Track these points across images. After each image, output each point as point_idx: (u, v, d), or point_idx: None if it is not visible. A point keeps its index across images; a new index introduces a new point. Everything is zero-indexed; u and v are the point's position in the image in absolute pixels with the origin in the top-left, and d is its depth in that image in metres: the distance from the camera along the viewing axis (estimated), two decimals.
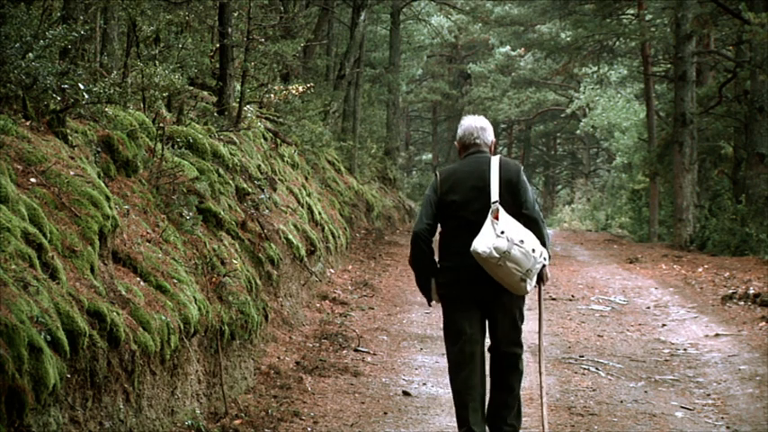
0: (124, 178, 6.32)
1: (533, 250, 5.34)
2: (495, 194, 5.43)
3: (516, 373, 5.55)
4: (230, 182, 8.44)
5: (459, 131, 5.75)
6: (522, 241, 5.31)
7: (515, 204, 5.47)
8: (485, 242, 5.29)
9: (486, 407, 5.55)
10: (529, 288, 5.41)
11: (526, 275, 5.33)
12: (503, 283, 5.38)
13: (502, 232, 5.31)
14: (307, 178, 13.48)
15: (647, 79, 27.15)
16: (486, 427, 5.50)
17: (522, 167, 5.66)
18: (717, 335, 9.61)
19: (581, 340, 9.42)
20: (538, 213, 5.54)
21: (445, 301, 5.61)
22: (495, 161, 5.56)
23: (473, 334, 5.53)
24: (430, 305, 5.84)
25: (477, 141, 5.68)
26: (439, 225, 5.63)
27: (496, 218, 5.37)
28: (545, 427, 5.57)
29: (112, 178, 6.11)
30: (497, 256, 5.27)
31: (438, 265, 5.61)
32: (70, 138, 5.64)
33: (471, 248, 5.31)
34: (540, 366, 5.74)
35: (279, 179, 11.05)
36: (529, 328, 6.26)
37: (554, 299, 11.77)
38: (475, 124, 5.71)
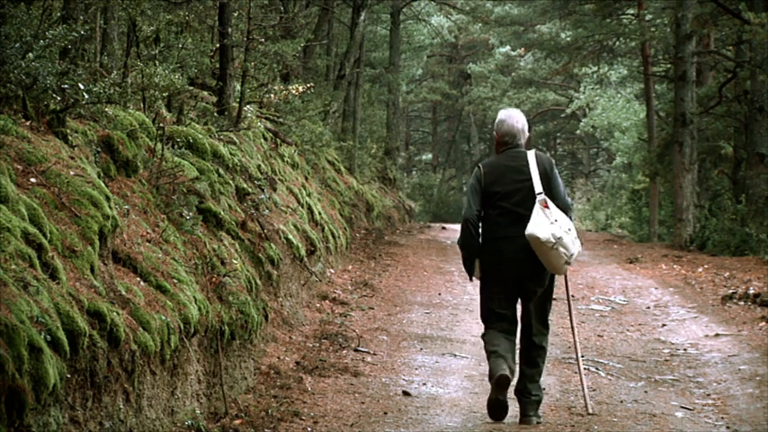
0: (124, 178, 6.32)
1: (576, 237, 6.17)
2: (538, 187, 6.16)
3: (542, 350, 6.30)
4: (230, 182, 8.44)
5: (503, 128, 6.36)
6: (569, 230, 6.10)
7: (551, 195, 6.19)
8: (543, 229, 6.02)
9: (516, 380, 6.24)
10: (567, 270, 6.24)
11: (569, 259, 6.12)
12: (548, 265, 6.14)
13: (555, 220, 6.07)
14: (307, 178, 13.48)
15: (647, 79, 27.14)
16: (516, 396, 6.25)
17: (554, 162, 6.42)
18: (717, 335, 9.61)
19: (581, 340, 9.41)
20: (567, 203, 6.29)
21: (485, 281, 6.34)
22: (531, 156, 6.27)
23: (509, 310, 6.31)
24: (471, 281, 6.55)
25: (519, 141, 6.36)
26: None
27: (546, 206, 6.11)
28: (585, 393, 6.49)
29: (112, 178, 6.11)
30: (554, 240, 6.01)
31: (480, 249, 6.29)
32: (70, 138, 5.64)
33: (528, 233, 6.03)
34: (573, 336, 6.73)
35: (279, 179, 11.05)
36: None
37: (554, 299, 11.75)
38: (517, 127, 6.35)
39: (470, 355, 8.54)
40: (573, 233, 6.13)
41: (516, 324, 6.37)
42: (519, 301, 6.37)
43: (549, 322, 6.50)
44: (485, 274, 6.33)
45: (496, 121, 6.45)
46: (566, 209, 6.24)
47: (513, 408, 6.52)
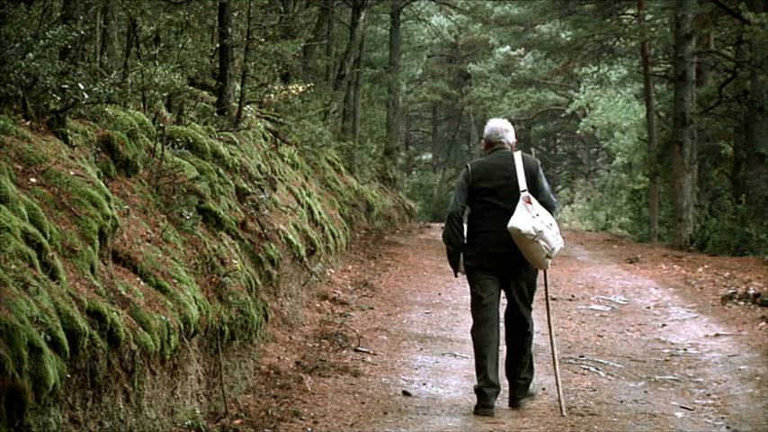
0: (124, 178, 6.32)
1: (557, 233, 6.52)
2: (523, 184, 6.55)
3: (527, 335, 6.70)
4: (230, 182, 8.43)
5: (487, 131, 6.87)
6: (550, 225, 6.46)
7: (535, 192, 6.58)
8: (525, 222, 6.38)
9: (504, 365, 6.72)
10: (549, 264, 6.57)
11: (550, 253, 6.46)
12: (529, 258, 6.49)
13: (537, 215, 6.44)
14: (307, 178, 13.48)
15: (647, 79, 27.13)
16: (506, 380, 6.70)
17: (540, 163, 6.80)
18: (717, 335, 9.61)
19: (581, 340, 9.42)
20: (552, 200, 6.69)
21: (471, 271, 6.72)
22: (518, 156, 6.68)
23: (492, 300, 6.68)
24: (456, 276, 6.97)
25: (502, 141, 6.81)
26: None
27: (529, 202, 6.47)
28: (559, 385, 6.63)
29: (112, 178, 6.11)
30: (534, 234, 6.36)
31: (466, 241, 6.71)
32: (70, 138, 5.64)
33: (510, 226, 6.40)
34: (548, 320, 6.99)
35: (279, 179, 11.05)
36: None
37: (554, 299, 11.76)
38: (501, 126, 6.84)
39: (470, 355, 8.53)
40: (555, 229, 6.49)
41: (498, 320, 6.78)
42: (503, 290, 6.76)
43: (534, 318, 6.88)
44: (471, 266, 6.72)
45: (484, 128, 6.97)
46: (549, 207, 6.63)
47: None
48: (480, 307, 6.70)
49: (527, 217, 6.41)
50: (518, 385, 6.67)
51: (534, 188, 6.60)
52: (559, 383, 6.62)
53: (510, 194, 6.54)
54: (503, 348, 6.83)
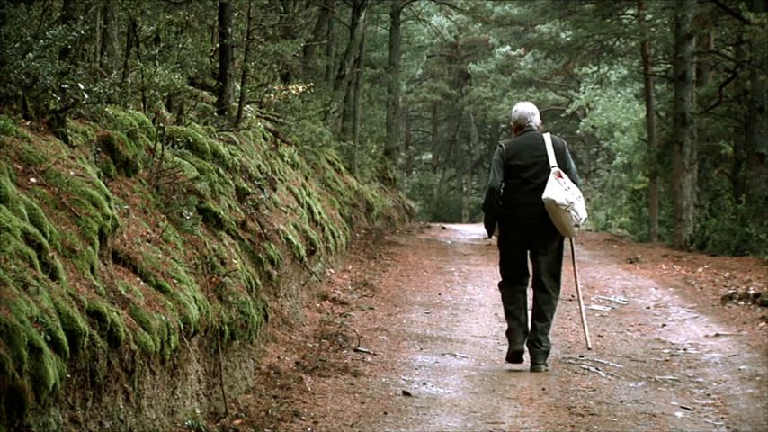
0: (124, 178, 6.32)
1: (584, 204, 7.33)
2: (553, 160, 7.34)
3: (551, 306, 7.56)
4: (230, 182, 8.43)
5: (515, 115, 7.68)
6: (579, 197, 7.27)
7: (563, 170, 7.32)
8: (559, 194, 7.15)
9: (528, 332, 7.58)
10: (576, 232, 7.43)
11: (579, 222, 7.29)
12: (560, 227, 7.29)
13: (569, 188, 7.19)
14: (307, 178, 13.47)
15: (647, 79, 27.13)
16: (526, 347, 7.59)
17: (566, 143, 7.61)
18: (717, 335, 9.61)
19: (581, 340, 9.40)
20: (577, 179, 7.46)
21: (503, 239, 7.61)
22: (547, 137, 7.49)
23: (521, 266, 7.64)
24: (490, 237, 7.84)
25: (530, 124, 7.61)
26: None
27: (560, 176, 7.21)
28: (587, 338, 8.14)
29: (112, 178, 6.11)
30: (567, 204, 7.14)
31: (500, 213, 7.51)
32: (70, 138, 5.64)
33: (545, 197, 7.19)
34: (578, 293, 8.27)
35: (279, 179, 11.04)
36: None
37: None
38: (528, 111, 7.64)
39: (470, 355, 8.54)
40: (582, 201, 7.29)
41: (526, 275, 7.66)
42: (530, 257, 7.60)
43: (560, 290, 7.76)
44: (503, 234, 7.57)
45: (511, 112, 7.78)
46: (575, 183, 7.38)
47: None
48: (511, 277, 7.65)
49: (560, 189, 7.17)
50: (539, 351, 7.48)
51: (563, 166, 7.35)
52: (584, 319, 8.09)
53: (540, 171, 7.34)
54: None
